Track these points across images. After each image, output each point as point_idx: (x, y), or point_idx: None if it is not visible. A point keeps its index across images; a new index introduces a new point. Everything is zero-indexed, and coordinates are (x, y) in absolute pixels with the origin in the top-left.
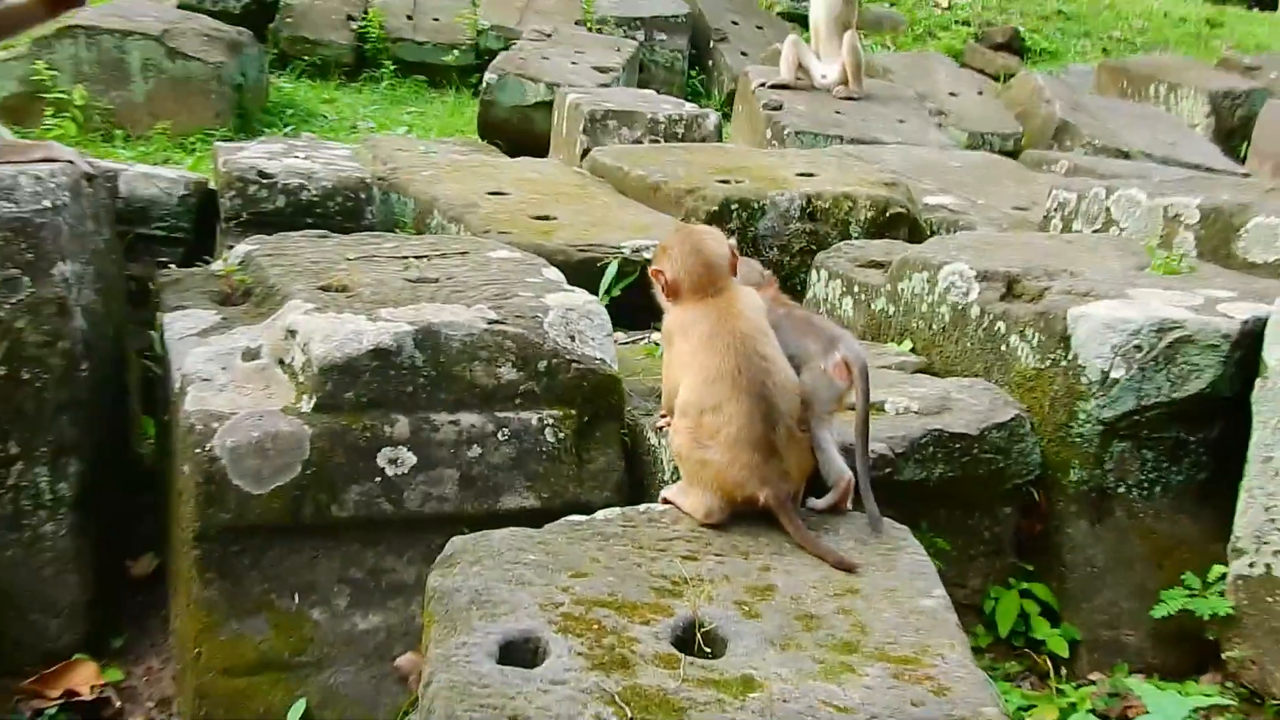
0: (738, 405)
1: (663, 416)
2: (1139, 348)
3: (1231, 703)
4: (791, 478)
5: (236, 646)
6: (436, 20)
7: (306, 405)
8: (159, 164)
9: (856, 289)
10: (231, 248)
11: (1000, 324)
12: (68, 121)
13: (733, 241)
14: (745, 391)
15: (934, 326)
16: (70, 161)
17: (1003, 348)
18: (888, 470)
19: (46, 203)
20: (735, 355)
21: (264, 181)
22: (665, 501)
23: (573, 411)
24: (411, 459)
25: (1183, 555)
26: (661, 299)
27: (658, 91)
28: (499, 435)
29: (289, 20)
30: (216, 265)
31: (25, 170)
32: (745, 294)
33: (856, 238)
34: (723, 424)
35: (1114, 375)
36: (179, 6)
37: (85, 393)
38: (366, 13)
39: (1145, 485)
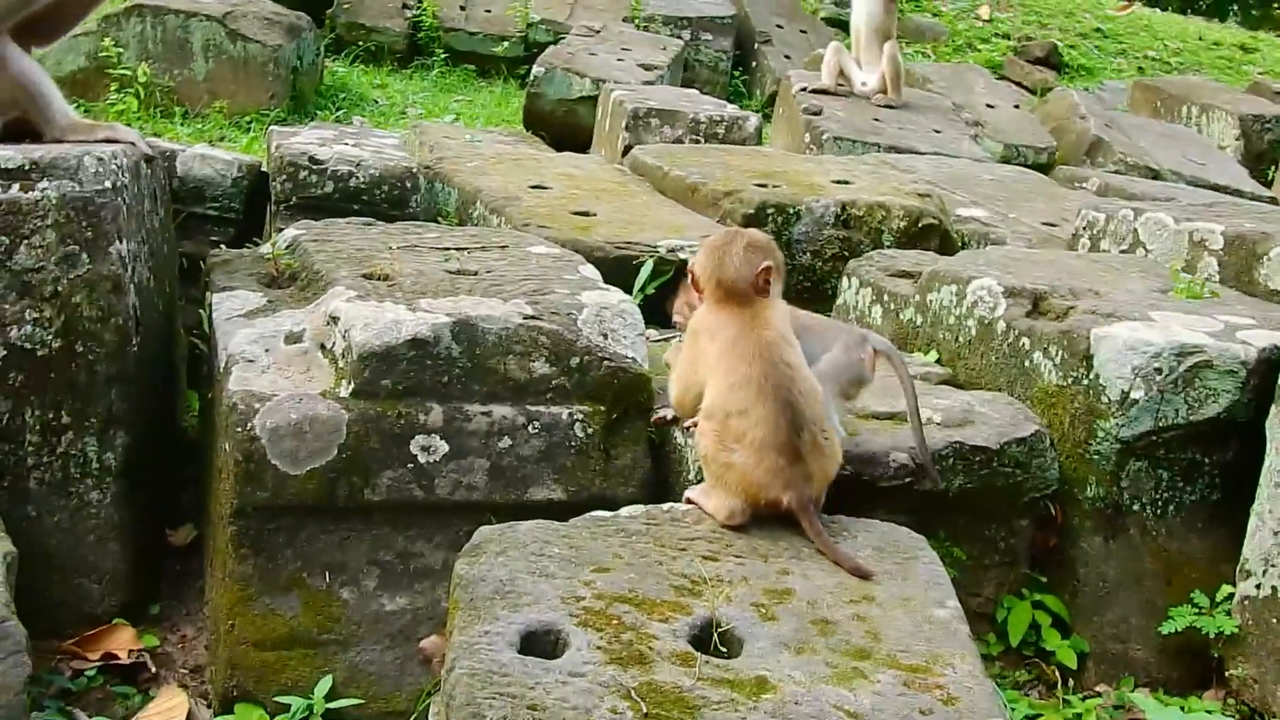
0: (764, 410)
1: (664, 410)
2: (1159, 370)
3: (1232, 719)
4: (814, 482)
5: (268, 621)
6: (488, 12)
7: (345, 390)
8: (215, 142)
9: (886, 298)
10: (280, 231)
11: (1025, 340)
12: (130, 97)
13: (779, 256)
14: (771, 397)
15: (960, 339)
16: (132, 143)
17: (1026, 363)
18: (908, 479)
19: (108, 183)
20: (762, 361)
21: (314, 167)
22: (689, 502)
23: (602, 408)
24: (444, 447)
25: (1192, 574)
26: (693, 297)
27: (701, 91)
28: (529, 428)
29: (346, 6)
30: (265, 248)
31: (90, 150)
32: (775, 302)
33: (888, 247)
34: (749, 428)
35: (1134, 396)
36: None
37: (135, 367)
38: (421, 1)
39: (1159, 504)
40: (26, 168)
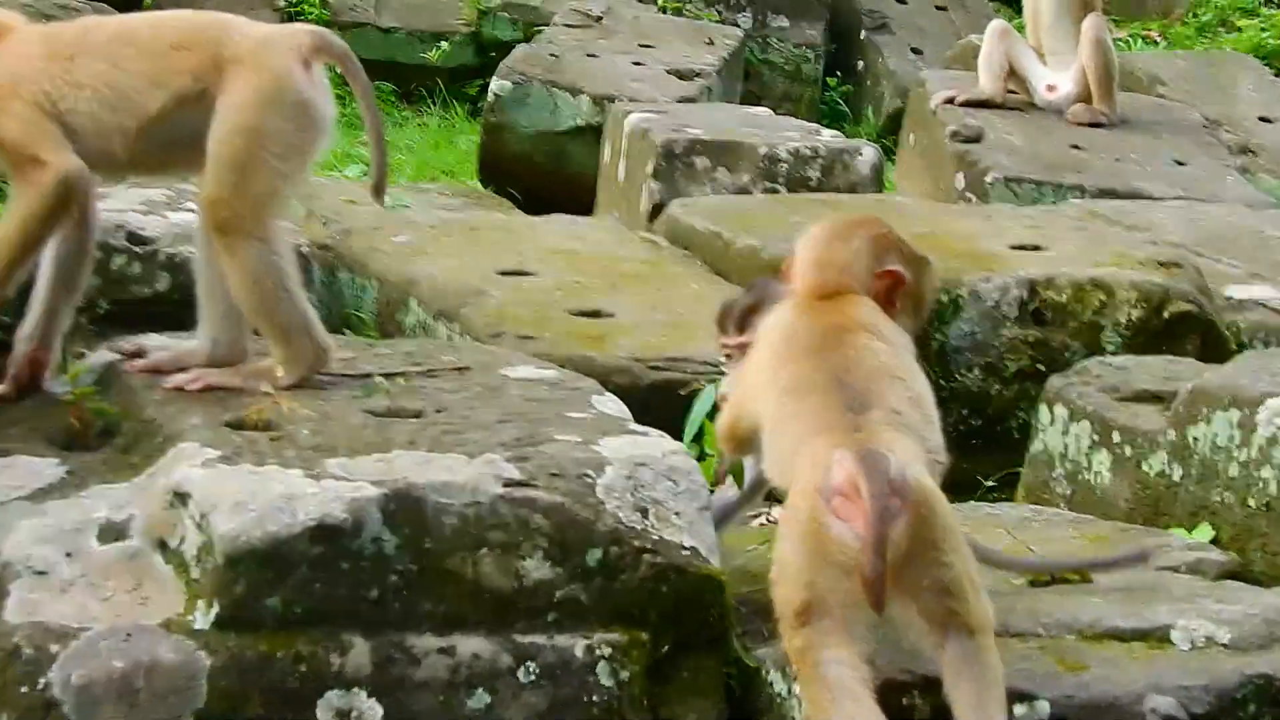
0: None
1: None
2: None
3: None
4: None
5: None
6: None
7: (203, 619)
8: None
9: (1118, 438)
10: (83, 355)
11: None
12: None
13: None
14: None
15: (1250, 502)
16: None
17: None
18: None
19: None
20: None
21: (137, 250)
22: None
23: (644, 635)
24: (374, 711)
25: None
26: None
27: (776, 111)
28: (520, 674)
29: None
30: (59, 384)
31: None
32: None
33: (1114, 353)
34: None
35: None
36: None
37: None
38: None
39: None
40: None
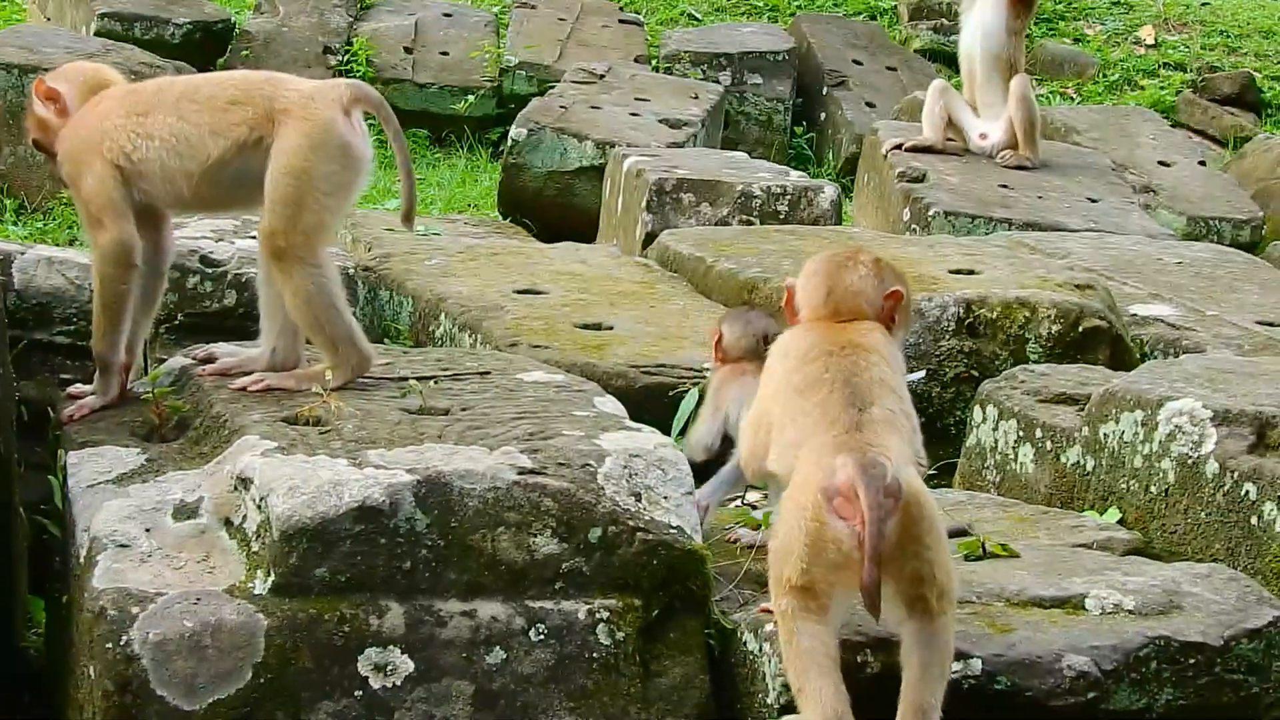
0: None
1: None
2: None
3: None
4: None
5: None
6: (445, 55)
7: (261, 585)
8: (62, 244)
9: (1039, 434)
10: (162, 361)
11: (1249, 486)
12: None
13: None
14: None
15: (1152, 489)
16: None
17: (1253, 520)
18: (1092, 695)
19: None
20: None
21: (208, 271)
22: None
23: (637, 601)
24: (407, 665)
25: None
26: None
27: (751, 155)
28: (531, 634)
29: (245, 52)
30: (141, 385)
31: None
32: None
33: (1036, 361)
34: None
35: None
36: (99, 34)
37: None
38: (351, 43)
39: None
40: None
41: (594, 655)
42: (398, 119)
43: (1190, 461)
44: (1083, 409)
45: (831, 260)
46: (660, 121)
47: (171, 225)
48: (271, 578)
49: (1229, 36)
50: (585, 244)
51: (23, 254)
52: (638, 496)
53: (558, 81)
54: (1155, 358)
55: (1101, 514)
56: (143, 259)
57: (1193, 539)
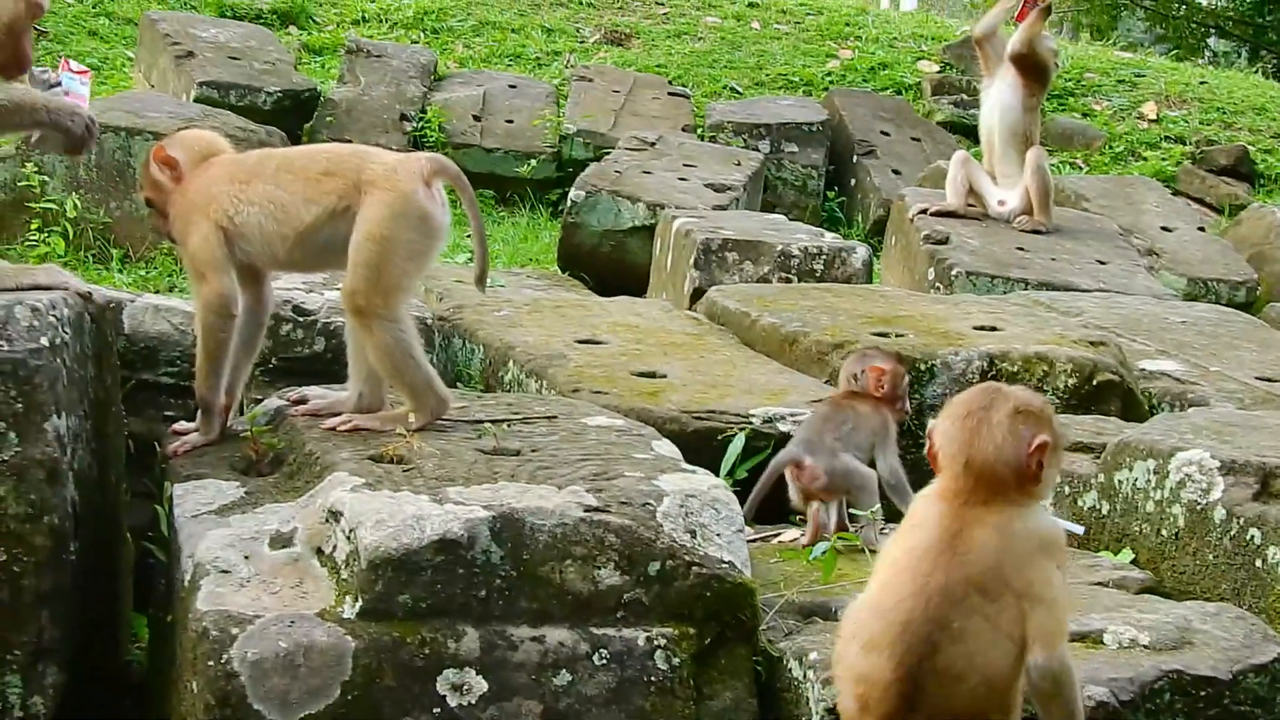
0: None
1: None
2: None
3: None
4: None
5: None
6: (510, 122)
7: (350, 610)
8: (163, 292)
9: (1058, 479)
10: (257, 401)
11: (1254, 532)
12: (56, 237)
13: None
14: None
15: (1163, 532)
16: (80, 292)
17: (1258, 563)
18: None
19: (44, 340)
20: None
21: (300, 319)
22: None
23: (691, 630)
24: (481, 685)
25: None
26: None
27: (788, 217)
28: (595, 658)
29: (329, 119)
30: (240, 423)
31: (20, 299)
32: (1039, 505)
33: (1054, 412)
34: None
35: None
36: (198, 100)
37: (71, 581)
38: (425, 111)
39: None
40: None
41: (652, 679)
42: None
43: (1199, 507)
44: (1098, 457)
45: (965, 413)
46: (706, 186)
47: (271, 281)
48: (359, 603)
49: (1225, 113)
50: (638, 298)
51: (132, 301)
52: (693, 533)
53: (612, 148)
54: (1163, 410)
55: (1116, 554)
56: (243, 310)
57: (1202, 579)
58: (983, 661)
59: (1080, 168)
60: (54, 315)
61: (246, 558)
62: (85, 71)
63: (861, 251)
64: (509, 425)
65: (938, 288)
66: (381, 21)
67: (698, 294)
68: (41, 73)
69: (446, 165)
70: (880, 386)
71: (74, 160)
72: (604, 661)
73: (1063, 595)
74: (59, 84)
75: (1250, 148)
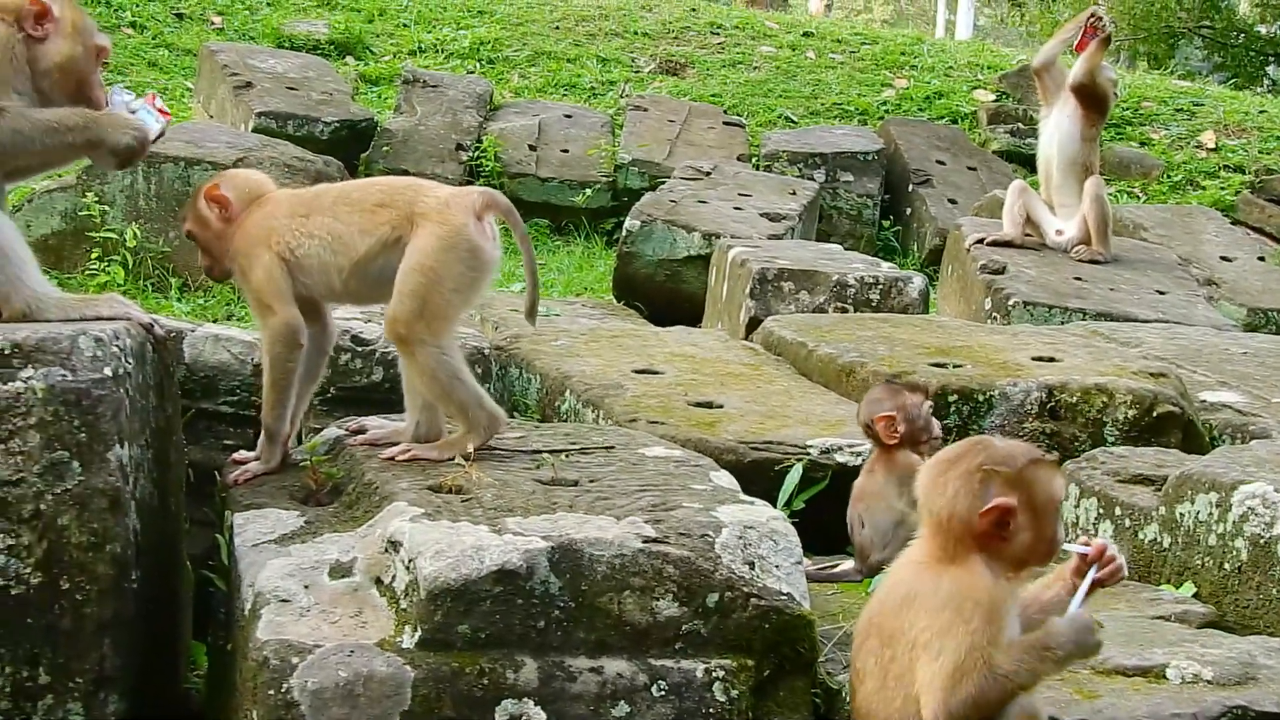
0: None
1: None
2: None
3: None
4: None
5: None
6: (565, 152)
7: (409, 640)
8: (221, 320)
9: (1119, 511)
10: (315, 430)
11: None
12: (116, 267)
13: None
14: None
15: (1226, 566)
16: (142, 323)
17: None
18: None
19: (107, 370)
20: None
21: (359, 349)
22: None
23: (750, 662)
24: (540, 716)
25: None
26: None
27: (843, 247)
28: (653, 689)
29: (386, 149)
30: (299, 452)
31: (85, 329)
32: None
33: (1114, 444)
34: None
35: None
36: (256, 130)
37: (133, 609)
38: (480, 141)
39: None
40: (6, 351)
41: (710, 711)
42: (522, 210)
43: (1263, 541)
44: (1159, 489)
45: (935, 466)
46: (761, 215)
47: (331, 311)
48: (418, 633)
49: None
50: (694, 328)
51: (193, 331)
52: (751, 565)
53: (667, 177)
54: (1224, 441)
55: (1177, 588)
56: (308, 339)
57: (1265, 614)
58: (883, 710)
59: (1138, 197)
60: (117, 345)
61: (306, 587)
62: (167, 114)
63: (918, 281)
64: (567, 455)
65: (995, 318)
66: (437, 52)
67: (753, 323)
68: (123, 97)
69: (498, 199)
70: (893, 434)
71: (133, 190)
72: (662, 693)
73: (961, 653)
74: (135, 111)
75: None
